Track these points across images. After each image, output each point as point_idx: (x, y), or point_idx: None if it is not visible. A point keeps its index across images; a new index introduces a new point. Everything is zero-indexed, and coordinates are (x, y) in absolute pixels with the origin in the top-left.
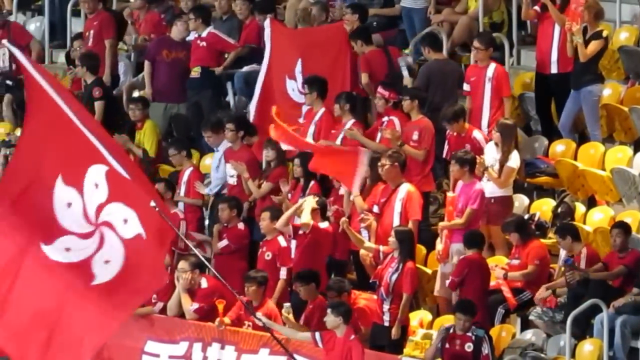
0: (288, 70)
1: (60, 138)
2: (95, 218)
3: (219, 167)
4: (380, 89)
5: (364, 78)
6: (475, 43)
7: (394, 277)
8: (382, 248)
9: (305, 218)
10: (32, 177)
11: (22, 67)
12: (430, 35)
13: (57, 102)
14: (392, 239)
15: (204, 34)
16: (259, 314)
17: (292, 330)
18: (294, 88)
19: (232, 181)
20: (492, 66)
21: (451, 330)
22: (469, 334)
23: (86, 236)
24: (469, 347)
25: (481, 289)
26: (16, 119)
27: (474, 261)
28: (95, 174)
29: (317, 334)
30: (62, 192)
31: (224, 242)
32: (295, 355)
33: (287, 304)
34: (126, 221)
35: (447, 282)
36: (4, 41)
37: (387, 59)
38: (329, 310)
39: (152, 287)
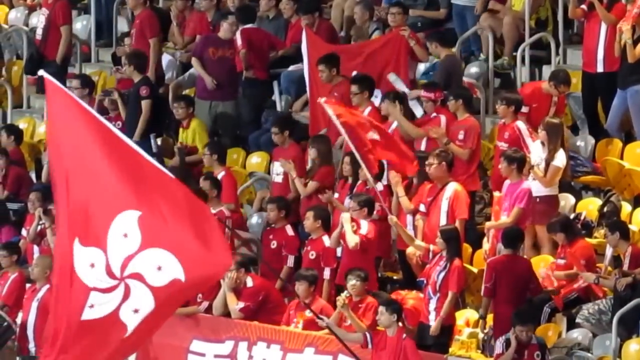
0: None
1: (81, 191)
2: (120, 272)
3: None
4: (424, 93)
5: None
6: (551, 81)
7: (441, 275)
8: (431, 247)
9: (352, 239)
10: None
11: (50, 102)
12: (439, 31)
13: (87, 145)
14: (439, 240)
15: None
16: (324, 318)
17: (344, 331)
18: None
19: (279, 179)
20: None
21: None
22: (534, 341)
23: (108, 290)
24: (537, 355)
25: (515, 290)
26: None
27: (499, 263)
28: (124, 223)
29: (369, 335)
30: (81, 255)
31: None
32: (340, 355)
33: (346, 292)
34: (160, 268)
35: (482, 291)
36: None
37: None
38: (382, 309)
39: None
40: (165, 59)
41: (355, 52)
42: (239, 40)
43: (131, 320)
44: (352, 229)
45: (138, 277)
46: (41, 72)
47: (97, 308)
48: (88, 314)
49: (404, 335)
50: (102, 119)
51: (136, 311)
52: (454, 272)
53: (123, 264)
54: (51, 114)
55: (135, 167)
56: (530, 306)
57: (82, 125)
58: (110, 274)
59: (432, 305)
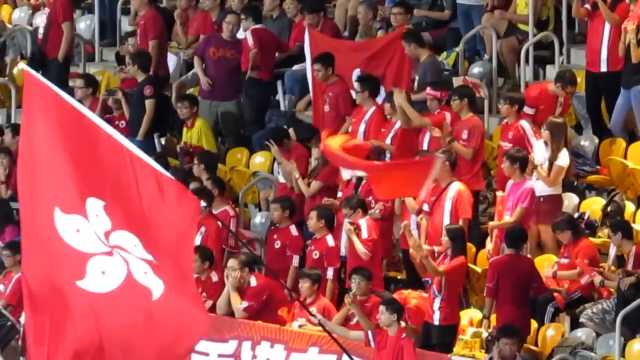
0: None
1: (54, 168)
2: (106, 241)
3: None
4: (430, 90)
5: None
6: (558, 82)
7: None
8: (436, 249)
9: (362, 253)
10: (30, 214)
11: (27, 84)
12: (413, 31)
13: (60, 135)
14: (444, 238)
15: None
16: (312, 310)
17: (345, 329)
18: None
19: (283, 180)
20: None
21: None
22: (519, 358)
23: (109, 254)
24: None
25: (517, 290)
26: None
27: (501, 263)
28: (95, 206)
29: (370, 333)
30: (64, 222)
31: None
32: (344, 355)
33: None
34: (136, 246)
35: (485, 291)
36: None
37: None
38: (382, 308)
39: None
40: (174, 59)
41: (359, 49)
42: (250, 40)
43: (149, 281)
44: (355, 231)
45: (122, 248)
46: (22, 65)
47: (110, 275)
48: (104, 284)
49: (403, 335)
50: (89, 113)
51: (146, 273)
52: (454, 262)
53: (105, 235)
54: (27, 101)
55: (114, 160)
56: (516, 320)
57: (58, 117)
58: (100, 239)
59: (437, 304)
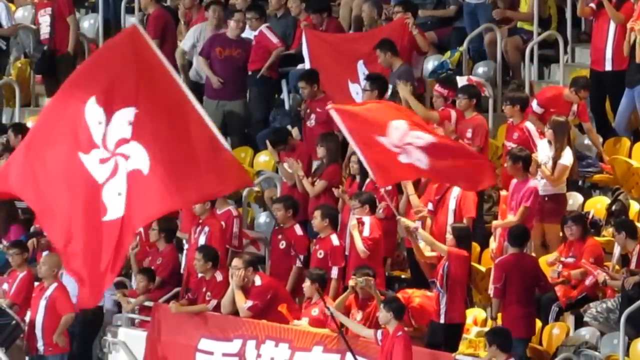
0: (350, 75)
1: (116, 73)
2: (114, 147)
3: None
4: (437, 87)
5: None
6: (572, 87)
7: (446, 265)
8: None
9: (361, 250)
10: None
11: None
12: (388, 40)
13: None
14: (449, 236)
15: (257, 33)
16: (316, 310)
17: (358, 325)
18: (358, 92)
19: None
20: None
21: None
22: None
23: (103, 160)
24: None
25: (523, 289)
26: None
27: (508, 263)
28: (127, 114)
29: (379, 332)
30: (93, 111)
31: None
32: (348, 354)
33: (360, 279)
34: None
35: (491, 291)
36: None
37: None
38: (381, 306)
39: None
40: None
41: (360, 40)
42: (274, 39)
43: (112, 204)
44: (358, 228)
45: (125, 157)
46: (133, 20)
47: (91, 169)
48: (92, 168)
49: (399, 333)
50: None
51: (119, 194)
52: (458, 250)
53: (117, 142)
54: (125, 36)
55: (177, 110)
56: (522, 320)
57: (147, 58)
58: (104, 143)
59: (443, 302)
